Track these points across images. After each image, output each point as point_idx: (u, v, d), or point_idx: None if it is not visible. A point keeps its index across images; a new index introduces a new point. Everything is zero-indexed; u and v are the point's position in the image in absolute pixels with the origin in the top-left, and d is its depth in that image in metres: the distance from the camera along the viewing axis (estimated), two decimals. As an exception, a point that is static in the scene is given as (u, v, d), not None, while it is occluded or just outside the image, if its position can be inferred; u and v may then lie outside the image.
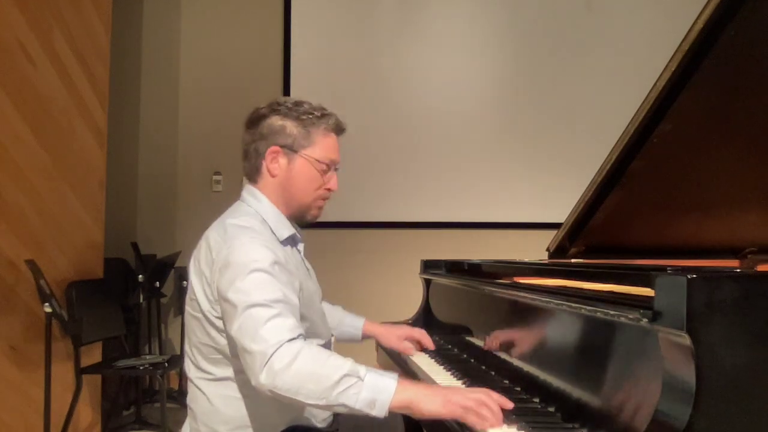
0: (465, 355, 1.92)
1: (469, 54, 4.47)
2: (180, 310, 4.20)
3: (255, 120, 1.51)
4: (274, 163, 1.49)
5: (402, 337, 1.93)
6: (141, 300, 3.74)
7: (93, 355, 3.27)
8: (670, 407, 0.92)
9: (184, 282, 4.11)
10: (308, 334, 1.41)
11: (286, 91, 4.37)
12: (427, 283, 2.47)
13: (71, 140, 3.19)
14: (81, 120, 3.25)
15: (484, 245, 4.24)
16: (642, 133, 1.59)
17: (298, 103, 1.51)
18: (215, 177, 4.33)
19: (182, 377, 4.12)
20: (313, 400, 1.22)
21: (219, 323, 1.40)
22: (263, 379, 1.22)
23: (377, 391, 1.21)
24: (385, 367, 2.06)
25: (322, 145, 1.51)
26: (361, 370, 1.23)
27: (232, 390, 1.43)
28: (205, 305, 1.42)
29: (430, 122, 4.40)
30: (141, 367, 3.04)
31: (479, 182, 4.41)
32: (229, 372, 1.43)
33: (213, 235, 1.45)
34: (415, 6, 4.46)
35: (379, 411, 1.21)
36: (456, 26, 4.47)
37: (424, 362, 1.85)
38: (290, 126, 1.48)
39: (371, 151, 4.34)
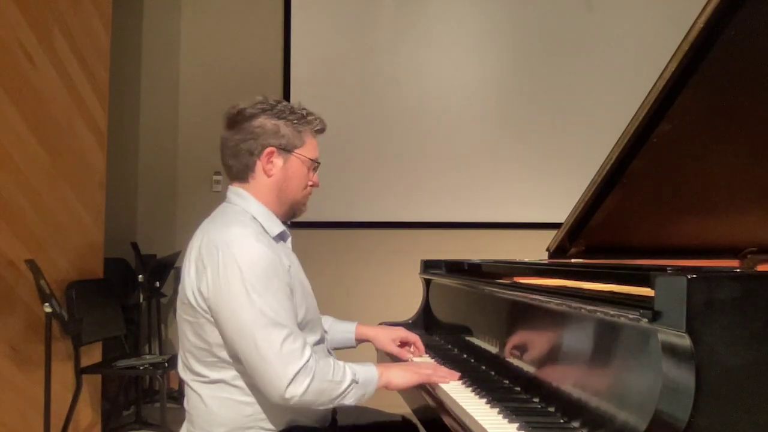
0: (465, 355, 1.92)
1: (469, 54, 4.47)
2: (180, 310, 4.19)
3: (242, 119, 1.51)
4: (270, 163, 1.51)
5: (396, 340, 1.89)
6: (141, 300, 3.74)
7: (93, 355, 3.27)
8: (669, 407, 0.92)
9: (184, 282, 4.11)
10: (308, 329, 1.53)
11: (287, 90, 4.37)
12: (427, 283, 2.47)
13: (71, 140, 3.18)
14: (81, 120, 3.24)
15: (484, 245, 4.24)
16: (642, 133, 1.59)
17: (284, 104, 1.55)
18: (215, 177, 4.33)
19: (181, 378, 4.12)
20: (324, 406, 1.44)
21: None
22: (287, 396, 1.36)
23: (366, 385, 1.46)
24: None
25: (311, 145, 1.57)
26: (356, 373, 1.45)
27: (227, 392, 1.45)
28: (199, 308, 1.41)
29: (430, 122, 4.40)
30: (141, 367, 3.04)
31: (479, 182, 4.41)
32: (223, 374, 1.45)
33: (203, 240, 1.44)
34: (415, 6, 4.47)
35: (368, 398, 1.48)
36: (456, 26, 4.47)
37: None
38: (283, 127, 1.52)
39: (371, 151, 4.35)
